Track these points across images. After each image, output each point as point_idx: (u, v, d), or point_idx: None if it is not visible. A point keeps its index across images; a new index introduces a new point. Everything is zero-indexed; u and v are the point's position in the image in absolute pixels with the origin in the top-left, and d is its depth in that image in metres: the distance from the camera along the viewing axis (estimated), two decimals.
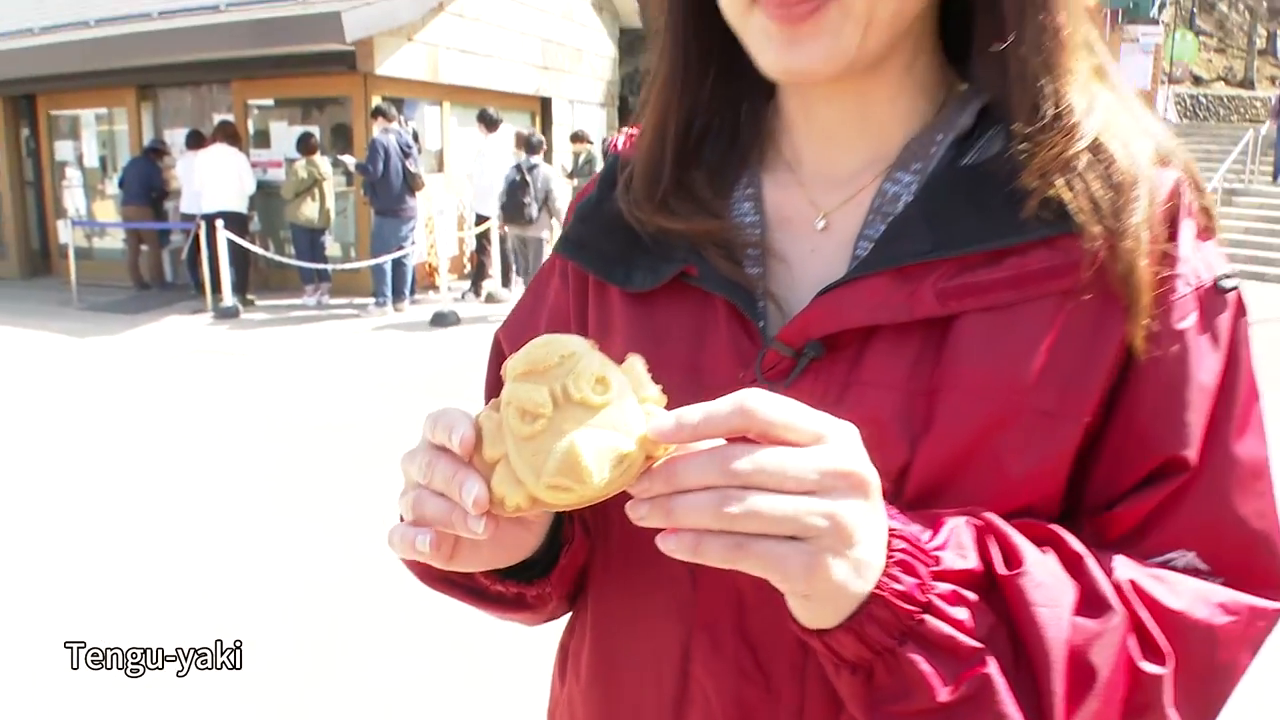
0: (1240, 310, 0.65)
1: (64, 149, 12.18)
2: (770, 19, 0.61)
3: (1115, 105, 0.64)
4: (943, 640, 0.53)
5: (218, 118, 10.48)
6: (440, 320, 8.74)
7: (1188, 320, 0.61)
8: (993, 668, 0.53)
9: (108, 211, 11.85)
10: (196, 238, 9.58)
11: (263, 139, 10.78)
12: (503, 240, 9.70)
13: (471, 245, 10.26)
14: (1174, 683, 0.57)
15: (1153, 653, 0.57)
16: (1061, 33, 0.62)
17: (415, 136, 9.74)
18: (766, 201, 0.72)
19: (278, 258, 10.07)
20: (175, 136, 10.86)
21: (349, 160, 9.57)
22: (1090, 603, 0.55)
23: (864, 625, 0.52)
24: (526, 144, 9.15)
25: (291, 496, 4.54)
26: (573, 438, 0.49)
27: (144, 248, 10.99)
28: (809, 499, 0.49)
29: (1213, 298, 0.63)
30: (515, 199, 8.92)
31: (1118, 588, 0.57)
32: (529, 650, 2.73)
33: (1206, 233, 0.65)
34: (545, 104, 13.00)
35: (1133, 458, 0.61)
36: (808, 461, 0.49)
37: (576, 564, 0.70)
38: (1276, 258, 13.41)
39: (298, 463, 5.03)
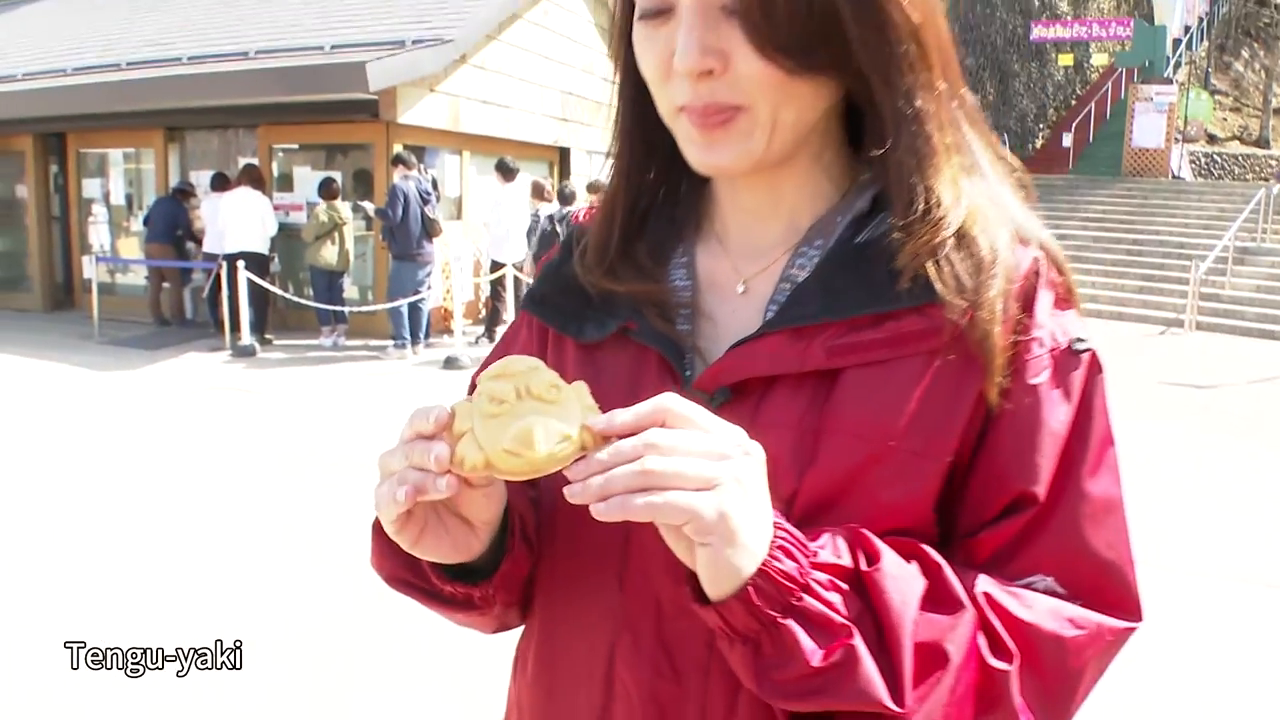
0: (1095, 368, 0.75)
1: (91, 186, 12.41)
2: (692, 125, 0.73)
3: (981, 198, 0.75)
4: (817, 617, 0.63)
5: (243, 161, 10.70)
6: (452, 364, 8.88)
7: (1041, 377, 0.72)
8: (858, 641, 0.63)
9: (131, 248, 12.09)
10: (218, 277, 9.78)
11: (286, 182, 11.01)
12: (518, 286, 9.86)
13: (486, 291, 10.43)
14: (1021, 681, 0.67)
15: (1001, 652, 0.67)
16: (931, 140, 0.74)
17: (435, 184, 9.94)
18: (698, 269, 0.84)
19: (296, 299, 10.25)
20: (201, 178, 11.10)
21: (368, 206, 9.77)
22: (941, 599, 0.66)
23: (751, 597, 0.62)
24: (559, 195, 9.32)
25: (297, 527, 4.65)
26: (527, 418, 0.63)
27: (166, 285, 11.19)
28: (712, 461, 0.61)
29: (1067, 357, 0.74)
30: (549, 248, 9.07)
31: (972, 595, 0.67)
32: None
33: (1064, 303, 0.76)
34: (564, 154, 13.20)
35: (992, 493, 0.72)
36: (710, 437, 0.62)
37: (518, 573, 0.80)
38: None
39: (306, 496, 5.13)
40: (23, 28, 15.75)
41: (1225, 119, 29.13)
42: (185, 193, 11.04)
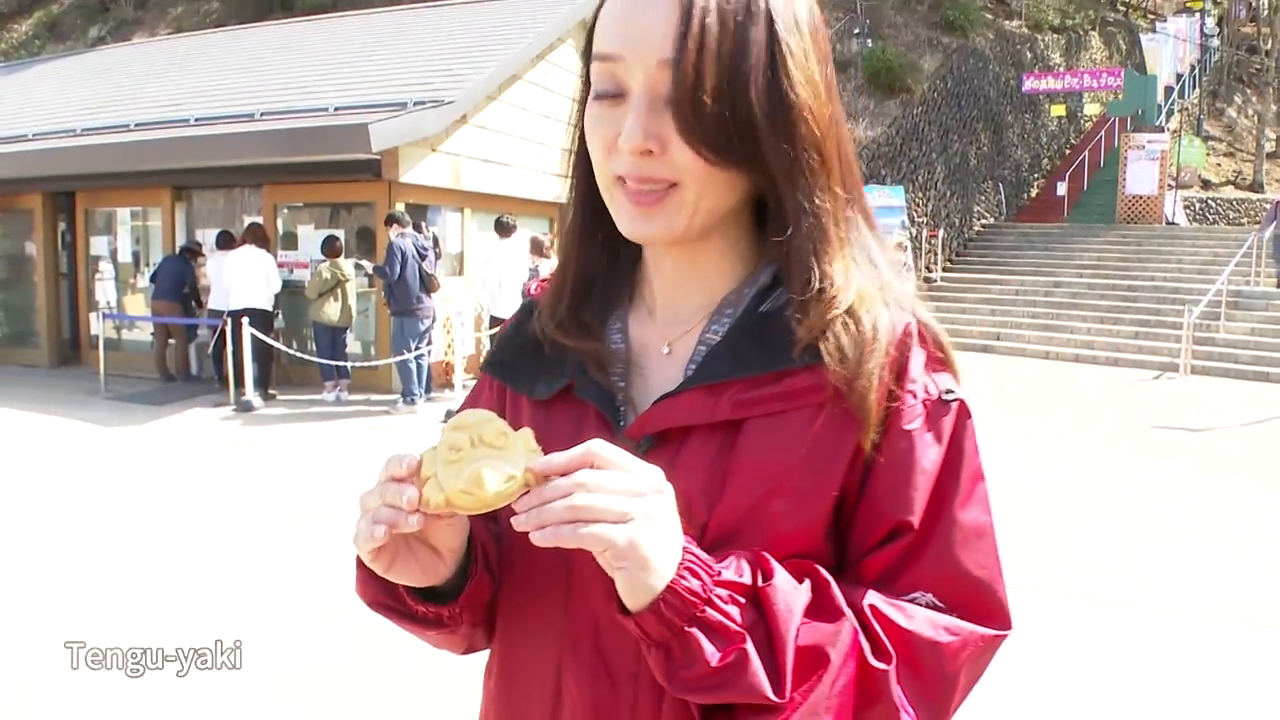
0: (963, 414, 0.88)
1: (99, 244, 12.60)
2: (627, 198, 0.87)
3: (869, 283, 0.90)
4: (717, 625, 0.76)
5: (248, 219, 10.91)
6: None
7: (915, 423, 0.85)
8: (749, 646, 0.76)
9: (138, 305, 12.26)
10: (222, 333, 9.94)
11: (290, 240, 11.20)
12: None
13: (487, 345, 10.58)
14: (901, 681, 0.79)
15: (881, 654, 0.79)
16: (827, 232, 0.89)
17: (436, 241, 10.12)
18: (630, 332, 0.98)
19: (300, 354, 10.40)
20: (207, 236, 11.30)
21: (367, 265, 9.95)
22: (825, 609, 0.79)
23: (662, 609, 0.75)
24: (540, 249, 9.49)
25: (299, 581, 4.73)
26: (478, 463, 0.76)
27: (171, 341, 11.35)
28: (628, 498, 0.74)
29: (938, 406, 0.87)
30: None
31: (857, 607, 0.81)
32: None
33: (936, 362, 0.89)
34: (563, 209, 13.34)
35: (874, 523, 0.85)
36: (628, 477, 0.75)
37: (481, 596, 0.92)
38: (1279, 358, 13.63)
39: (308, 550, 5.22)
40: (34, 86, 16.09)
41: (1219, 164, 29.35)
42: (193, 251, 11.25)
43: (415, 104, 10.17)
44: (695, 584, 0.76)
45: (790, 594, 0.78)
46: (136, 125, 11.81)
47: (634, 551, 0.73)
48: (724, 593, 0.77)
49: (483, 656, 1.05)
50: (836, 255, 0.89)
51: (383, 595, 0.91)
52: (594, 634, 0.89)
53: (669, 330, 0.96)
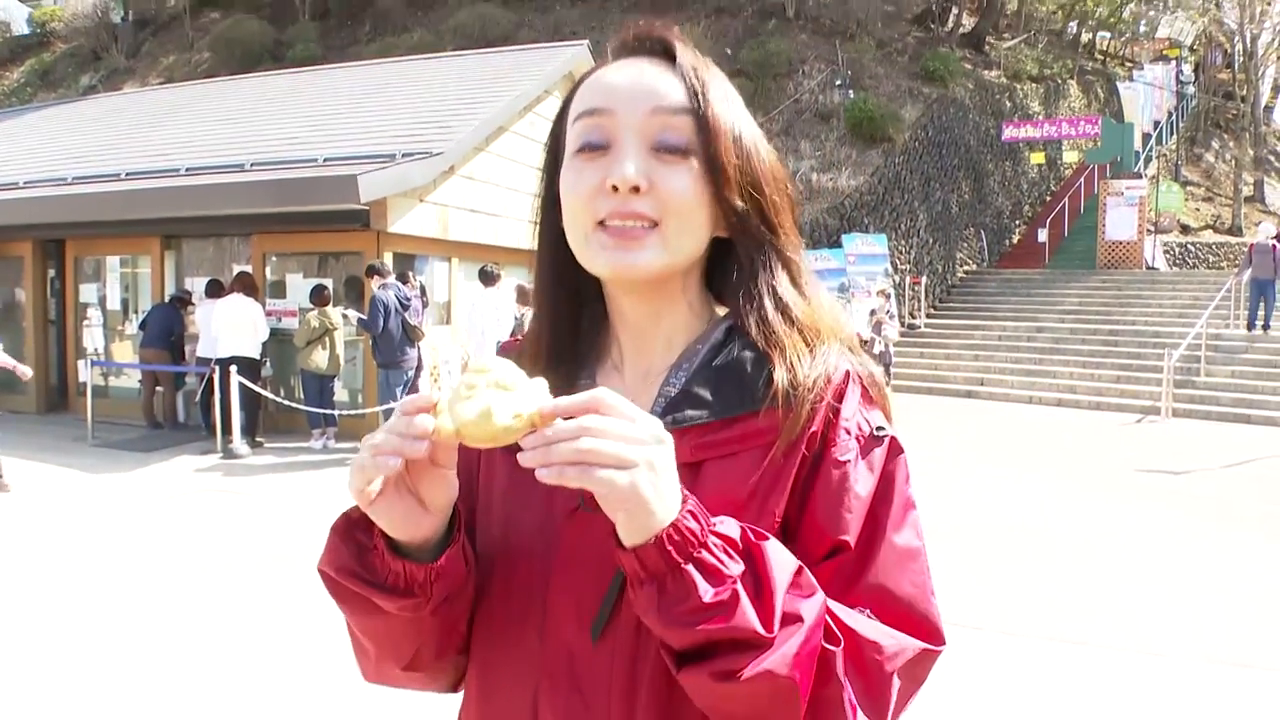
0: (894, 449, 0.97)
1: (88, 291, 12.64)
2: (609, 237, 0.95)
3: (819, 322, 1.00)
4: (712, 568, 0.81)
5: (237, 268, 10.98)
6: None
7: (848, 455, 0.94)
8: (740, 588, 0.81)
9: (126, 352, 12.29)
10: (210, 380, 9.98)
11: (279, 289, 11.28)
12: None
13: None
14: (846, 672, 0.85)
15: (831, 638, 0.84)
16: (779, 289, 0.99)
17: (423, 290, 10.20)
18: (598, 385, 1.06)
19: (288, 402, 10.44)
20: (196, 284, 11.37)
21: (352, 314, 10.04)
22: (803, 584, 0.85)
23: (664, 543, 0.80)
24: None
25: (287, 629, 4.74)
26: (489, 397, 0.81)
27: (159, 389, 11.37)
28: (632, 445, 0.79)
29: (870, 441, 0.96)
30: None
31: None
32: None
33: (869, 400, 0.98)
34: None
35: (815, 542, 0.92)
36: (631, 425, 0.80)
37: (458, 569, 0.94)
38: (1260, 399, 13.78)
39: (294, 598, 5.23)
40: (26, 134, 16.19)
41: (1198, 209, 29.77)
42: (183, 300, 11.31)
43: (404, 155, 10.31)
44: (695, 526, 0.82)
45: (780, 555, 0.85)
46: (127, 174, 11.93)
47: (635, 494, 0.78)
48: (719, 542, 0.82)
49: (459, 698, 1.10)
50: (797, 302, 1.00)
51: (352, 561, 0.93)
52: (569, 663, 0.94)
53: (633, 385, 1.04)
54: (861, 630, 0.88)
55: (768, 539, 0.85)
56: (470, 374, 0.84)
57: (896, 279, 18.43)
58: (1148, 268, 21.27)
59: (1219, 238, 27.79)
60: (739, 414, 0.94)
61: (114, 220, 11.24)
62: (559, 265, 1.04)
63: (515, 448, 0.91)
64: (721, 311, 1.05)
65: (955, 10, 28.10)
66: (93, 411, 10.71)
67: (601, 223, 0.95)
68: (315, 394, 10.11)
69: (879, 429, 0.97)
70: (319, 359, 9.92)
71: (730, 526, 0.85)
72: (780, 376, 0.94)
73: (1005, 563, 5.97)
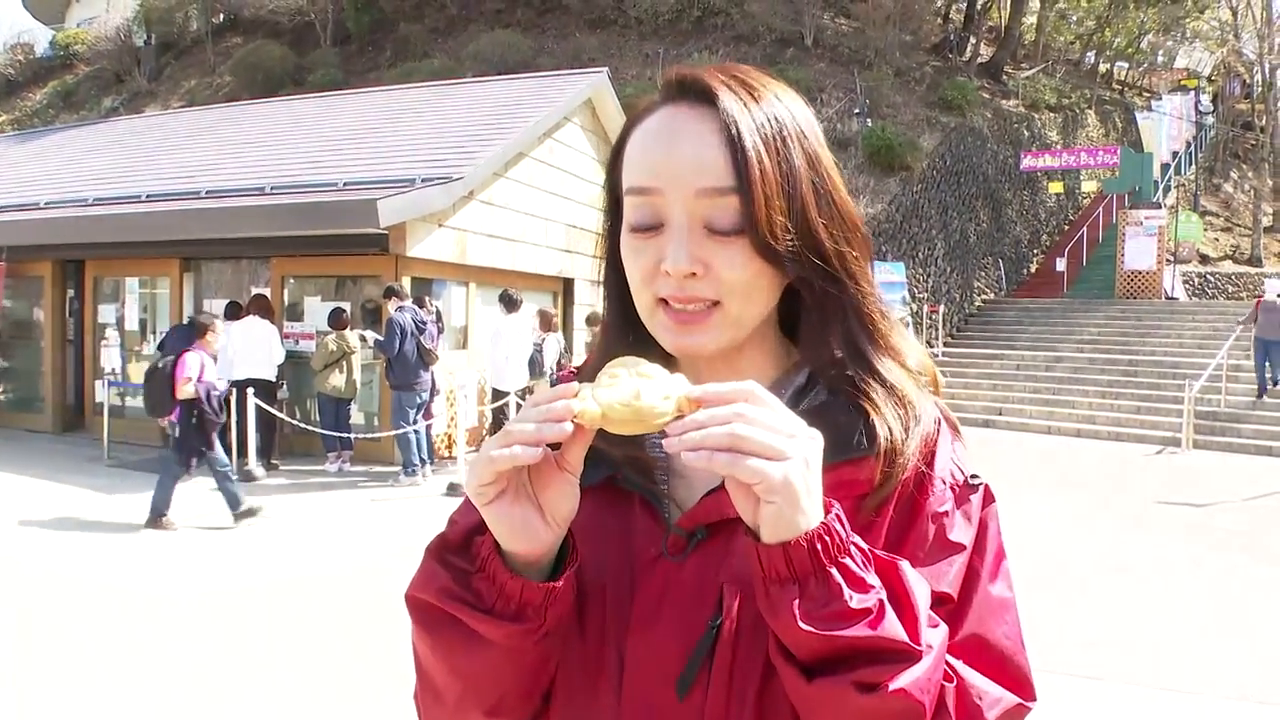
0: (988, 498, 0.94)
1: (106, 311, 12.70)
2: (669, 318, 0.92)
3: (897, 371, 0.95)
4: (855, 575, 0.78)
5: (255, 290, 11.02)
6: (455, 490, 9.00)
7: (945, 505, 0.91)
8: (884, 597, 0.78)
9: (143, 373, 12.32)
10: (226, 402, 9.98)
11: (297, 312, 11.31)
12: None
13: (490, 419, 10.61)
14: (954, 705, 0.82)
15: (946, 676, 0.82)
16: (868, 323, 0.95)
17: (439, 315, 10.20)
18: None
19: (304, 425, 10.44)
20: (215, 306, 11.40)
21: (369, 335, 10.06)
22: (932, 612, 0.82)
23: (815, 542, 0.77)
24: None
25: (301, 652, 4.71)
26: (636, 381, 0.80)
27: None
28: (785, 437, 0.76)
29: (965, 489, 0.93)
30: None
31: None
32: None
33: (959, 448, 0.95)
34: (568, 284, 13.51)
35: None
36: (786, 417, 0.78)
37: (567, 597, 0.88)
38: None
39: (304, 620, 5.21)
40: (48, 155, 16.35)
41: (1217, 239, 29.62)
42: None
43: (423, 180, 10.34)
44: (841, 531, 0.79)
45: (917, 577, 0.82)
46: (148, 196, 12.01)
47: (788, 488, 0.75)
48: (859, 552, 0.80)
49: None
50: (876, 347, 0.95)
51: (453, 584, 0.87)
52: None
53: None
54: (967, 675, 0.85)
55: (901, 559, 0.82)
56: (612, 365, 0.83)
57: (914, 307, 18.39)
58: (1167, 298, 21.15)
59: (1238, 268, 27.62)
60: (833, 462, 0.87)
61: (134, 242, 11.30)
62: (627, 303, 1.00)
63: (604, 483, 0.92)
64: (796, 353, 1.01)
65: (973, 40, 28.18)
66: (109, 431, 10.73)
67: (664, 300, 0.92)
68: (331, 417, 10.10)
69: (973, 477, 0.94)
70: (336, 382, 9.92)
71: (865, 544, 0.82)
72: (883, 431, 0.90)
73: (1022, 595, 5.84)
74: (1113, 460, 12.66)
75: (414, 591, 0.90)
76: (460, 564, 0.88)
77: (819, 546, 0.77)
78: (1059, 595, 6.19)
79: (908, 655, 0.77)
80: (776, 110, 0.92)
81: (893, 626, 0.77)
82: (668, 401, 0.78)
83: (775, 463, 0.75)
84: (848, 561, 0.78)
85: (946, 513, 0.91)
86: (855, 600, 0.77)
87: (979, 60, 27.63)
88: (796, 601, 0.78)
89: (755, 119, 0.90)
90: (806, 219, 0.91)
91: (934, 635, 0.80)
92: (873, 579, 0.79)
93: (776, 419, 0.77)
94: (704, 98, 0.91)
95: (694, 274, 0.89)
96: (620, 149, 0.97)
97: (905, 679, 0.77)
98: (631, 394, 0.78)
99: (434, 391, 9.90)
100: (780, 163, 0.90)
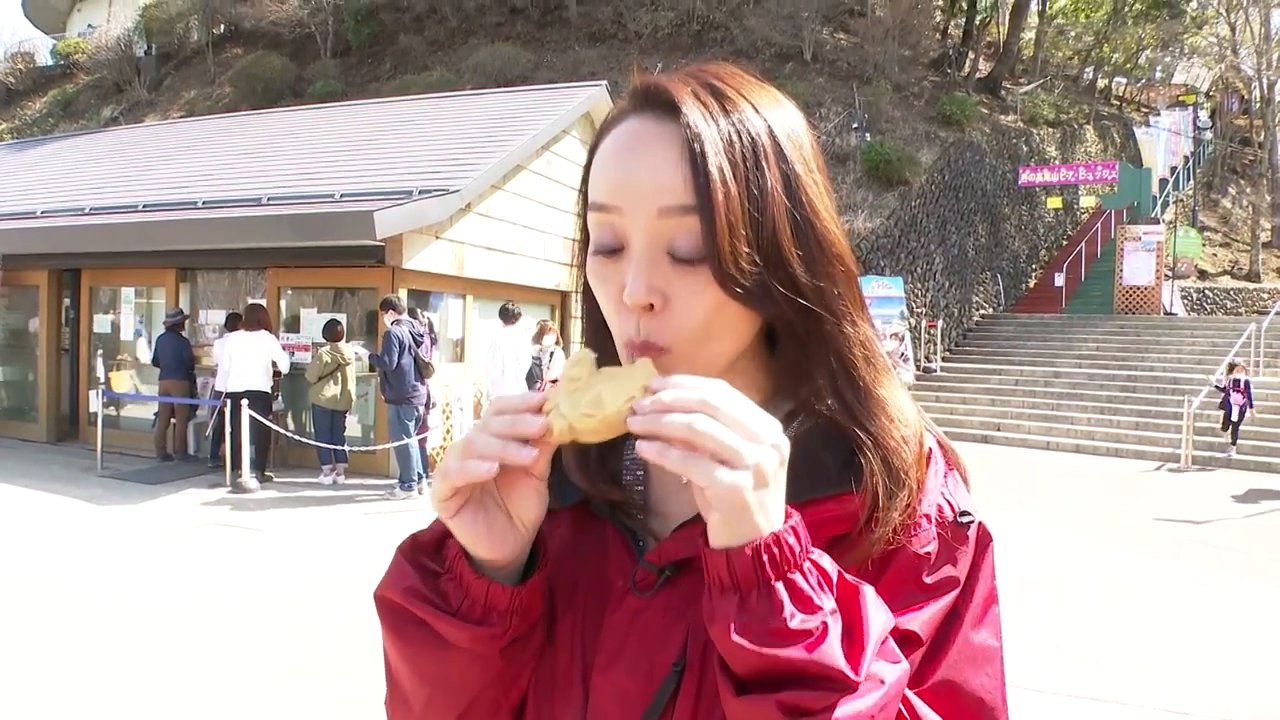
0: (982, 539, 0.87)
1: (102, 321, 12.67)
2: (636, 356, 0.86)
3: (891, 398, 0.88)
4: (803, 594, 0.72)
5: (251, 301, 10.99)
6: None
7: (928, 546, 0.84)
8: (831, 622, 0.72)
9: (138, 383, 12.30)
10: (221, 413, 9.95)
11: (292, 323, 11.28)
12: None
13: None
14: None
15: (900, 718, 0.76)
16: (853, 355, 0.87)
17: (431, 327, 10.17)
18: (650, 469, 0.96)
19: (298, 437, 10.40)
20: (210, 316, 11.41)
21: (364, 352, 10.02)
22: (891, 648, 0.76)
23: (761, 553, 0.71)
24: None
25: (293, 664, 4.66)
26: (598, 387, 0.76)
27: (173, 421, 11.35)
28: (746, 441, 0.71)
29: (955, 530, 0.85)
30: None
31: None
32: None
33: (953, 481, 0.88)
34: (565, 297, 13.48)
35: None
36: (752, 418, 0.72)
37: (537, 603, 0.87)
38: None
39: (296, 632, 5.15)
40: (46, 164, 16.35)
41: (1215, 254, 29.70)
42: (179, 324, 11.25)
43: (420, 192, 10.31)
44: (796, 546, 0.73)
45: (878, 606, 0.76)
46: (144, 206, 12.00)
47: (733, 500, 0.70)
48: (814, 570, 0.74)
49: None
50: (865, 379, 0.88)
51: (419, 584, 0.85)
52: None
53: None
54: (928, 718, 0.79)
55: (865, 585, 0.76)
56: (572, 367, 0.79)
57: (912, 322, 18.36)
58: (1166, 313, 21.16)
59: (1237, 283, 27.70)
60: (806, 499, 0.81)
61: (130, 251, 11.27)
62: (599, 320, 0.94)
63: (577, 505, 0.88)
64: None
65: (972, 55, 28.27)
66: (102, 441, 10.68)
67: (627, 342, 0.85)
68: (326, 429, 10.05)
69: (964, 515, 0.87)
70: (331, 394, 9.88)
71: (829, 563, 0.75)
72: (866, 454, 0.84)
73: (1019, 614, 5.83)
74: (1112, 476, 12.62)
75: (381, 590, 0.87)
76: (430, 564, 0.85)
77: (765, 558, 0.72)
78: (1055, 612, 6.14)
79: (843, 685, 0.71)
80: (750, 124, 0.83)
81: (832, 653, 0.71)
82: (631, 400, 0.75)
83: (727, 469, 0.70)
84: (796, 577, 0.73)
85: (929, 554, 0.84)
86: (796, 620, 0.71)
87: (978, 75, 27.70)
88: (734, 612, 0.73)
89: (722, 133, 0.81)
90: (778, 248, 0.81)
91: (888, 670, 0.74)
92: (826, 600, 0.73)
93: (744, 414, 0.72)
94: (669, 109, 0.83)
95: (651, 305, 0.82)
96: (594, 150, 0.90)
97: (845, 710, 0.71)
98: (593, 402, 0.75)
99: (429, 404, 9.86)
100: (748, 184, 0.80)
